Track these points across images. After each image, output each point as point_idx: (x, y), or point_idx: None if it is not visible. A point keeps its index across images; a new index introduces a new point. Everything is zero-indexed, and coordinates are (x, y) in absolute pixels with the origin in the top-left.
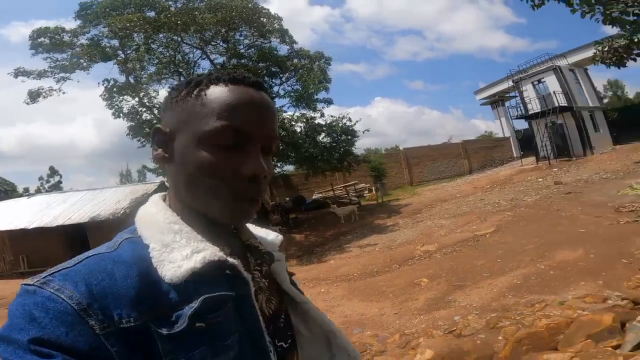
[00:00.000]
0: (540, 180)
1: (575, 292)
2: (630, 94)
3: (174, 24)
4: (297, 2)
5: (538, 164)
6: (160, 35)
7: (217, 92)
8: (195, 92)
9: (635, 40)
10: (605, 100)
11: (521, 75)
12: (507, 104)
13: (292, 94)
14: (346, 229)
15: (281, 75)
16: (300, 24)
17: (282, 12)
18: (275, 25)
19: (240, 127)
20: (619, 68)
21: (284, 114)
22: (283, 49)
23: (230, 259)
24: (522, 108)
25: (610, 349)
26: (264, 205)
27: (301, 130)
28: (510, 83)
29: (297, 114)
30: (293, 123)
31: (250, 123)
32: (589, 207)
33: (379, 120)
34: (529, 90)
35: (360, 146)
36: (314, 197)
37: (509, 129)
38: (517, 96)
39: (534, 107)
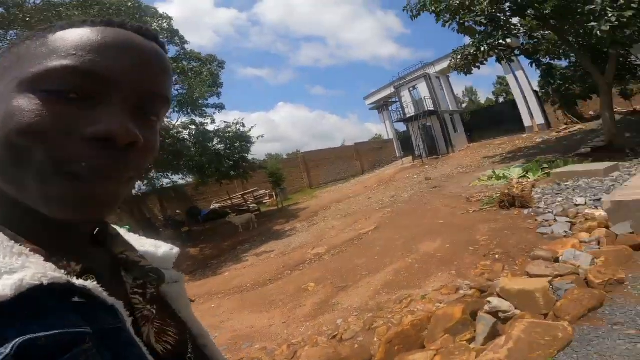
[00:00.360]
0: (415, 177)
1: (434, 284)
2: (482, 99)
3: (30, 20)
4: (202, 3)
5: (414, 162)
6: (11, 32)
7: (73, 33)
8: (40, 34)
9: (482, 49)
10: (464, 105)
11: (401, 82)
12: (390, 108)
13: (176, 98)
14: (244, 237)
15: None
16: (203, 25)
17: (183, 12)
18: (164, 25)
19: (95, 70)
20: (466, 75)
21: (166, 120)
22: (172, 51)
23: (80, 281)
24: (401, 112)
25: (465, 343)
26: (150, 220)
27: (188, 138)
28: (393, 89)
29: (186, 119)
30: (181, 130)
31: (117, 68)
32: (448, 199)
33: (283, 125)
34: (406, 96)
35: (263, 152)
36: (212, 207)
37: (392, 131)
38: (397, 101)
39: (410, 111)
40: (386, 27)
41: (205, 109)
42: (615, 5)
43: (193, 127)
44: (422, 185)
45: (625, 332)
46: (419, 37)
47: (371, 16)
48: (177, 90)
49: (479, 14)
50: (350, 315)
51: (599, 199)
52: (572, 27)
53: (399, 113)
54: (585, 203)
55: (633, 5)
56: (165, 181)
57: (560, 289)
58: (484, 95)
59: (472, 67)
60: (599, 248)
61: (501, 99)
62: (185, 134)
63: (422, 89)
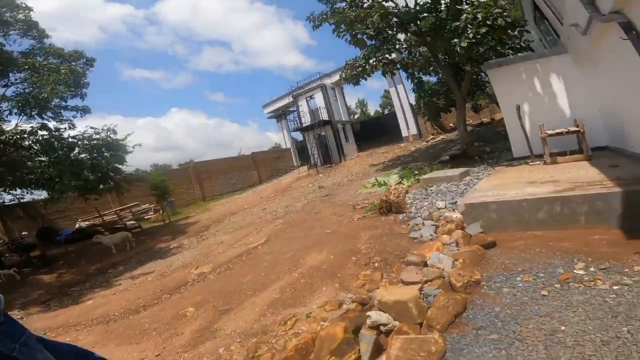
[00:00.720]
0: (310, 185)
1: (319, 300)
2: (372, 111)
3: None
4: None
5: (309, 171)
6: None
7: None
8: None
9: (370, 62)
10: (357, 116)
11: (299, 92)
12: (288, 117)
13: (16, 98)
14: (118, 259)
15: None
16: (87, 21)
17: (61, 4)
18: (19, 16)
19: None
20: (354, 85)
21: (2, 125)
22: (25, 44)
23: None
24: (298, 121)
25: None
26: None
27: (34, 145)
28: (291, 98)
29: (35, 124)
30: (25, 136)
31: None
32: (337, 207)
33: (177, 133)
34: (303, 105)
35: (151, 162)
36: (77, 226)
37: (290, 140)
38: (295, 110)
39: (307, 120)
40: (294, 37)
41: (63, 111)
42: (474, 22)
43: (44, 132)
44: (316, 194)
45: (489, 337)
46: (324, 49)
47: (281, 25)
48: (20, 88)
49: (369, 26)
50: (234, 342)
51: (455, 202)
52: (442, 44)
53: (296, 122)
54: (445, 206)
55: (488, 22)
56: (7, 197)
57: (430, 295)
58: (374, 107)
59: (360, 79)
60: (458, 249)
61: (386, 111)
62: (30, 140)
63: (319, 99)
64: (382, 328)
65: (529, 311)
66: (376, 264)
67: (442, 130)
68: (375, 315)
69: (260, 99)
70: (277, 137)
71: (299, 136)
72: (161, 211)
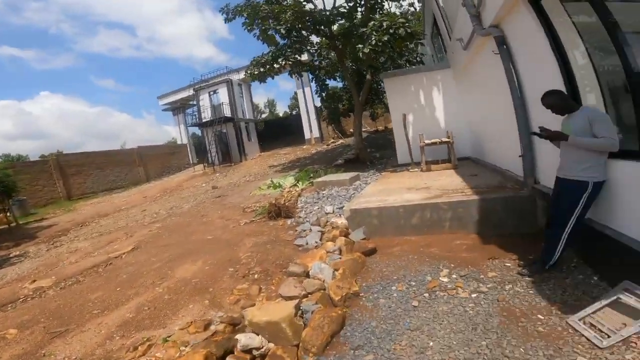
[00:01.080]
0: (204, 185)
1: (183, 320)
2: (281, 111)
3: None
4: None
5: (206, 170)
6: None
7: None
8: None
9: (279, 60)
10: (265, 115)
11: (202, 85)
12: (187, 111)
13: None
14: None
15: None
16: None
17: None
18: None
19: None
20: (260, 83)
21: None
22: None
23: None
24: (197, 116)
25: None
26: None
27: None
28: (192, 91)
29: None
30: None
31: None
32: (227, 210)
33: (45, 119)
34: (205, 100)
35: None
36: None
37: (187, 135)
38: (195, 104)
39: (207, 115)
40: (211, 28)
41: None
42: (380, 30)
43: None
44: (208, 194)
45: (365, 359)
46: (240, 44)
47: (199, 14)
48: None
49: (281, 23)
50: None
51: (343, 207)
52: (350, 50)
53: (195, 117)
54: (333, 211)
55: (390, 30)
56: None
57: (308, 312)
58: (283, 107)
59: (268, 77)
60: (340, 258)
61: (295, 112)
62: None
63: (223, 94)
64: (254, 352)
65: (402, 325)
66: (256, 276)
67: (342, 135)
68: (244, 339)
69: (162, 89)
70: (176, 131)
71: (200, 132)
72: (6, 212)
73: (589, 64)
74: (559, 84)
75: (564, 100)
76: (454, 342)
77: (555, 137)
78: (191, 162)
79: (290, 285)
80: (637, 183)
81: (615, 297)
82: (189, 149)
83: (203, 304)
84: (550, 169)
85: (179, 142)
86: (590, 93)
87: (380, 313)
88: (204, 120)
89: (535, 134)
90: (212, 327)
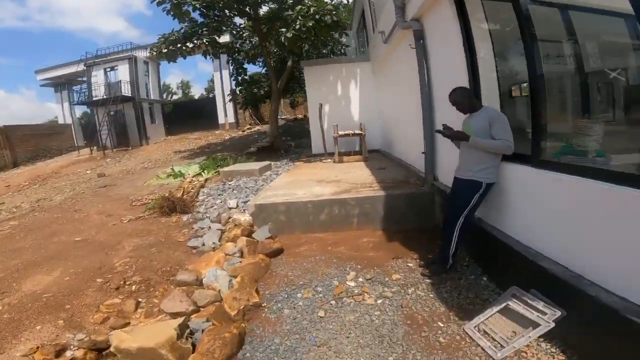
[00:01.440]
0: (88, 172)
1: (27, 344)
2: (197, 94)
3: None
4: None
5: (94, 154)
6: None
7: None
8: None
9: (192, 39)
10: (177, 97)
11: (96, 60)
12: (74, 88)
13: None
14: None
15: None
16: None
17: None
18: None
19: None
20: (169, 62)
21: None
22: None
23: None
24: (87, 94)
25: None
26: None
27: None
28: (83, 67)
29: None
30: None
31: None
32: (111, 203)
33: None
34: (99, 76)
35: None
36: None
37: (73, 115)
38: (85, 81)
39: (100, 93)
40: (125, 1)
41: None
42: (306, 15)
43: None
44: (91, 183)
45: None
46: (158, 20)
47: None
48: None
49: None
50: None
51: (248, 201)
52: (274, 34)
53: (83, 94)
54: (237, 205)
55: (317, 16)
56: None
57: (198, 330)
58: (200, 90)
59: (177, 56)
60: (241, 261)
61: (212, 96)
62: None
63: (123, 71)
64: None
65: (308, 340)
66: (133, 287)
67: (260, 122)
68: None
69: (48, 63)
70: (59, 109)
71: (90, 112)
72: None
73: (493, 65)
74: (464, 82)
75: (469, 98)
76: (362, 359)
77: (457, 137)
78: (76, 144)
79: (175, 299)
80: (526, 187)
81: (505, 304)
82: (73, 130)
83: (56, 325)
84: (448, 167)
85: (61, 121)
86: (491, 95)
87: (284, 327)
88: (95, 99)
89: (439, 131)
90: (68, 354)
